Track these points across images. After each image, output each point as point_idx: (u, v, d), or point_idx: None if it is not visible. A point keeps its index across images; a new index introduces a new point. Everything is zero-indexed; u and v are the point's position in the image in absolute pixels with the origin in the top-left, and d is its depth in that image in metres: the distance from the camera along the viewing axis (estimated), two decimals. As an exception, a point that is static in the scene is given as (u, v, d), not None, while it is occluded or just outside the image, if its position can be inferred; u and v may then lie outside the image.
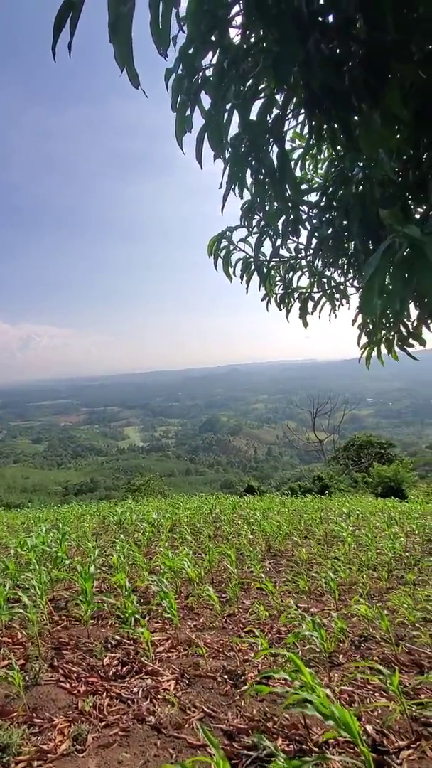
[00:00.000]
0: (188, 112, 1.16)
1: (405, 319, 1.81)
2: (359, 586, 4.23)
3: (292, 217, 1.81)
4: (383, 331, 1.89)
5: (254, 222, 1.90)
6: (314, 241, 1.86)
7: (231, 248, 2.04)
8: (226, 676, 2.51)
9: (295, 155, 1.96)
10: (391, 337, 1.91)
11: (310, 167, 2.11)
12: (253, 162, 1.10)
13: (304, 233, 1.89)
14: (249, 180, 1.26)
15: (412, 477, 18.59)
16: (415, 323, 1.77)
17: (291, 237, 1.94)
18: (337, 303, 2.17)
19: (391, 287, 0.89)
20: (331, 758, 1.69)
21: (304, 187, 1.95)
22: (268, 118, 1.14)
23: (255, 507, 10.11)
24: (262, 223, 1.89)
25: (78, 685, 2.40)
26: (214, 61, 1.14)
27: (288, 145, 1.81)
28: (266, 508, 9.97)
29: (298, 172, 1.96)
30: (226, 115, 1.14)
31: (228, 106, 1.14)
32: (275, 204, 1.55)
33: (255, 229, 1.95)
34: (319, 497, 14.47)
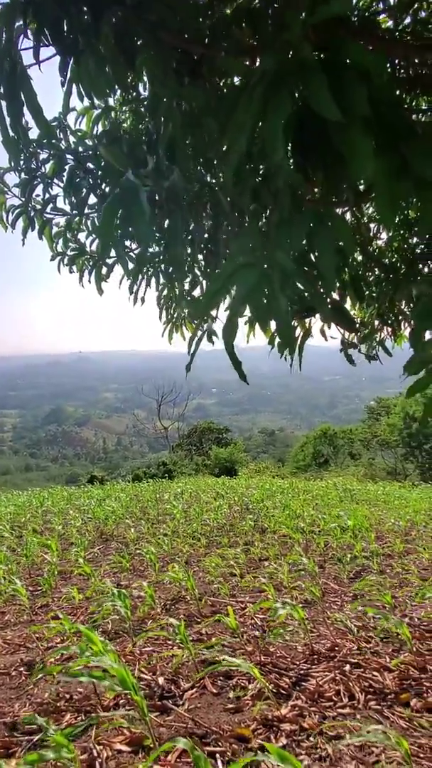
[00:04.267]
0: None
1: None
2: (179, 555, 4.49)
3: (75, 170, 1.73)
4: (174, 308, 2.00)
5: (22, 162, 1.76)
6: (91, 198, 1.82)
7: (4, 191, 1.85)
8: (22, 669, 2.34)
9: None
10: (183, 315, 2.04)
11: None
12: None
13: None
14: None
15: (243, 458, 20.79)
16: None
17: (69, 191, 1.87)
18: (132, 272, 2.20)
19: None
20: (113, 715, 1.74)
21: (89, 142, 1.89)
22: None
23: (92, 496, 9.79)
24: (33, 165, 1.76)
25: None
26: None
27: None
28: (104, 495, 9.77)
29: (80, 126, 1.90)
30: None
31: None
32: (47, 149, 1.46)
33: (23, 173, 1.81)
34: (161, 481, 14.89)
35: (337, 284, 1.54)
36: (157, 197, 1.44)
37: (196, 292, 2.11)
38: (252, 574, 3.71)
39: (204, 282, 2.04)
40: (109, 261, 2.07)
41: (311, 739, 1.60)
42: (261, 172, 1.01)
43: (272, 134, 0.75)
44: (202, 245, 1.81)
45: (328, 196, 0.89)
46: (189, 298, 1.98)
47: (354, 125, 0.72)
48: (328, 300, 1.07)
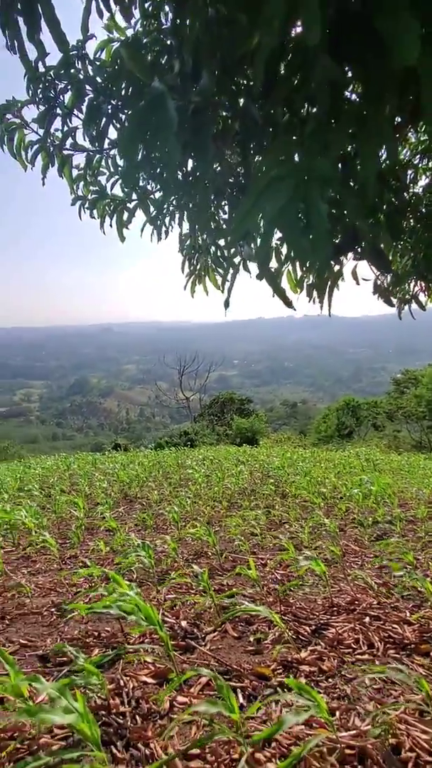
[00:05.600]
0: None
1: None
2: (201, 516, 4.60)
3: (94, 100, 1.64)
4: (201, 258, 1.93)
5: (39, 93, 1.68)
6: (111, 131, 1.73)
7: (23, 127, 1.78)
8: (53, 610, 2.48)
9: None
10: (209, 266, 1.96)
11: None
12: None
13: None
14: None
15: (265, 428, 20.86)
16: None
17: (89, 123, 1.78)
18: (155, 217, 2.10)
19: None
20: (138, 648, 1.82)
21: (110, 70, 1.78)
22: None
23: (116, 461, 10.08)
24: (51, 93, 1.68)
25: None
26: None
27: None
28: (128, 461, 10.04)
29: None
30: None
31: None
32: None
33: (41, 103, 1.73)
34: (183, 449, 15.17)
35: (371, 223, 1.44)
36: (179, 131, 1.35)
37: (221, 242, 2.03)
38: (272, 534, 3.77)
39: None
40: (130, 206, 1.99)
41: (330, 680, 1.64)
42: (295, 82, 0.92)
43: (308, 13, 0.67)
44: (228, 189, 1.72)
45: (367, 95, 0.80)
46: (213, 248, 1.91)
47: (399, 3, 0.63)
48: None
